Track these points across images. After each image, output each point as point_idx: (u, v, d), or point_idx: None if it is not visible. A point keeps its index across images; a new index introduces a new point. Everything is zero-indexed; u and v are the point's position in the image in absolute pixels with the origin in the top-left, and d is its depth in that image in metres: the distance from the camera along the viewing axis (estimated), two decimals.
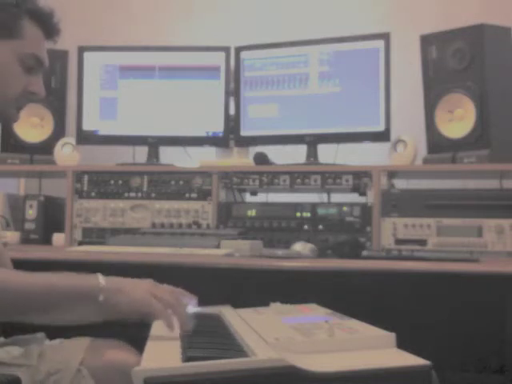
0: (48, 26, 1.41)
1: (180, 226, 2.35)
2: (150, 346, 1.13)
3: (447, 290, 2.05)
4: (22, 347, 1.36)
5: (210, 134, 2.64)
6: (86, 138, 2.70)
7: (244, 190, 2.60)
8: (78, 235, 2.54)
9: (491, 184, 2.40)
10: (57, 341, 1.42)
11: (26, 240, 2.61)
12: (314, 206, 2.38)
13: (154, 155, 2.67)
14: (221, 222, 2.42)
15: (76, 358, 1.29)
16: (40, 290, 1.21)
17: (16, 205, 2.70)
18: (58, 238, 2.57)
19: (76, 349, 1.32)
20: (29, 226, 2.63)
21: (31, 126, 2.72)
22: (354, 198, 2.42)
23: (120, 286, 1.24)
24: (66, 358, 1.30)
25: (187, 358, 0.96)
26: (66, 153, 2.66)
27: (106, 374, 1.28)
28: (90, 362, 1.29)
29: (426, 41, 2.41)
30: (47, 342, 1.43)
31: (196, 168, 2.55)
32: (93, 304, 1.21)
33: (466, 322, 2.11)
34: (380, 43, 2.44)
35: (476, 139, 2.27)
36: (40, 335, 1.45)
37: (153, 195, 2.52)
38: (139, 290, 1.24)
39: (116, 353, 1.31)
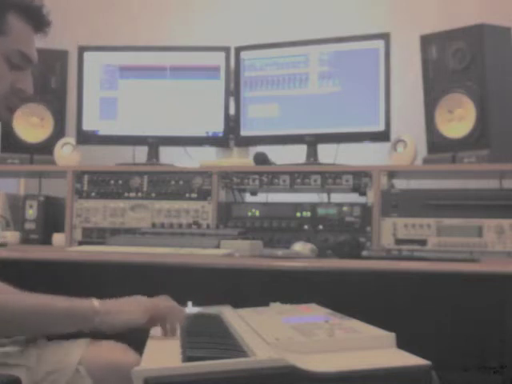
0: (36, 19, 1.34)
1: (180, 226, 2.35)
2: (150, 345, 1.13)
3: (447, 289, 2.05)
4: (21, 347, 1.36)
5: (210, 133, 2.64)
6: (86, 138, 2.70)
7: (244, 190, 2.60)
8: (78, 235, 2.54)
9: (491, 184, 2.40)
10: (55, 341, 1.42)
11: (26, 240, 2.61)
12: (314, 206, 2.38)
13: (153, 155, 2.67)
14: (221, 221, 2.41)
15: (74, 358, 1.29)
16: (37, 311, 1.24)
17: (16, 205, 2.70)
18: (57, 237, 2.57)
19: (74, 349, 1.32)
20: (29, 225, 2.63)
21: (31, 126, 2.71)
22: (354, 198, 2.42)
23: (115, 307, 1.28)
24: (64, 358, 1.30)
25: (187, 358, 0.96)
26: (66, 153, 2.66)
27: (104, 374, 1.28)
28: (88, 362, 1.29)
29: (426, 41, 2.41)
30: (46, 343, 1.43)
31: (196, 168, 2.55)
32: (88, 325, 1.26)
33: (466, 322, 2.10)
34: (380, 43, 2.44)
35: (476, 139, 2.27)
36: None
37: (153, 195, 2.52)
38: (135, 308, 1.28)
39: (114, 353, 1.32)
